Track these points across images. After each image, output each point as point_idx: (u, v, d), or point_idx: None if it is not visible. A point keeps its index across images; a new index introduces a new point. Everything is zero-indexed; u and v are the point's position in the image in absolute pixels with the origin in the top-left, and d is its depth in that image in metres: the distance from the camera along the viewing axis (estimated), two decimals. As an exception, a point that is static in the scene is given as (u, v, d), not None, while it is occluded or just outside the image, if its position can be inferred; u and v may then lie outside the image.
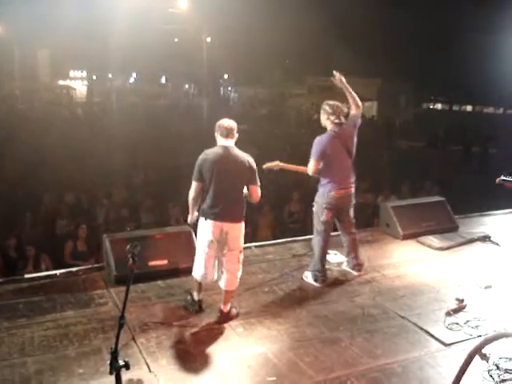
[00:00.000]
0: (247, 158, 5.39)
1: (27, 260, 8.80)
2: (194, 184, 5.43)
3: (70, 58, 42.63)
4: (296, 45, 30.36)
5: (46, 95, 35.26)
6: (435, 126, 25.26)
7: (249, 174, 5.37)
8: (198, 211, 5.54)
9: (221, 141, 5.44)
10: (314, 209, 6.53)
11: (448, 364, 4.79)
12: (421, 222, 8.29)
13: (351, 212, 6.64)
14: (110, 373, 3.66)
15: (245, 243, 7.73)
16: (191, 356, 4.89)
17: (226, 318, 5.53)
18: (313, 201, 6.56)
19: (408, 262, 7.28)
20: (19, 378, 4.51)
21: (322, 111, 6.47)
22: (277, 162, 6.50)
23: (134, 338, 5.08)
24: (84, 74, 47.95)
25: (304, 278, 6.66)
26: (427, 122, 27.97)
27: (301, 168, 6.56)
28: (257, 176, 5.42)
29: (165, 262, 6.50)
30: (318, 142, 6.29)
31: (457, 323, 5.48)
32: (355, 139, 6.51)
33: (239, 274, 5.56)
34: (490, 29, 23.60)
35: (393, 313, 5.78)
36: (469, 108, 41.35)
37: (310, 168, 6.31)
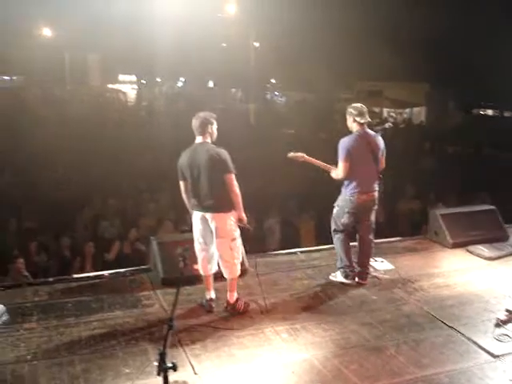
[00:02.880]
0: (216, 150, 5.53)
1: (85, 258, 8.98)
2: (180, 184, 5.74)
3: (120, 61, 43.29)
4: (345, 49, 30.18)
5: (96, 99, 35.85)
6: (485, 131, 24.70)
7: (219, 164, 5.49)
8: None
9: (196, 138, 5.68)
10: (334, 210, 6.54)
11: (497, 376, 4.69)
12: (470, 230, 8.11)
13: (372, 216, 6.58)
14: (158, 374, 3.70)
15: (288, 248, 7.82)
16: (236, 359, 4.92)
17: (232, 308, 5.74)
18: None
19: (457, 271, 7.15)
20: (67, 377, 4.61)
21: (347, 116, 6.44)
22: (302, 154, 6.47)
23: (179, 340, 5.12)
24: (133, 78, 48.60)
25: (332, 277, 6.69)
26: (477, 127, 27.37)
27: (325, 165, 6.51)
28: (229, 164, 5.52)
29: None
30: (343, 143, 6.29)
31: (506, 334, 5.35)
32: (382, 146, 6.45)
33: (237, 261, 5.74)
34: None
35: (440, 322, 5.69)
36: (521, 114, 40.32)
37: (340, 170, 6.28)
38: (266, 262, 7.24)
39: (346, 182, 6.37)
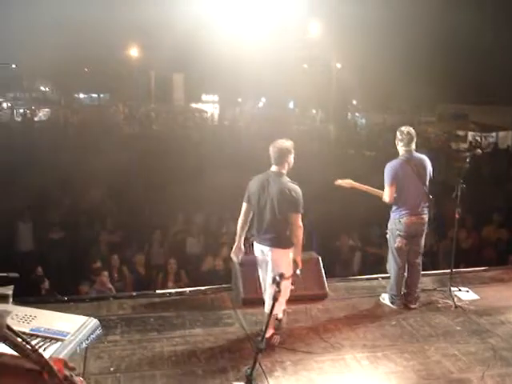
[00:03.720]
0: (289, 186, 5.39)
1: (168, 274, 9.18)
2: (243, 205, 5.65)
3: (203, 81, 44.31)
4: (427, 71, 29.77)
5: (179, 118, 36.75)
6: None
7: (289, 201, 5.34)
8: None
9: (272, 167, 5.55)
10: (387, 236, 6.54)
11: None
12: (562, 261, 7.78)
13: (421, 241, 6.53)
14: (244, 394, 3.73)
15: (370, 274, 7.70)
16: (314, 384, 4.87)
17: (267, 343, 5.28)
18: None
19: (547, 303, 6.82)
20: (148, 391, 4.70)
21: (396, 138, 6.47)
22: (349, 181, 6.50)
23: (259, 361, 5.13)
24: (215, 98, 49.59)
25: (381, 299, 6.72)
26: None
27: (373, 190, 6.51)
28: (298, 205, 5.37)
29: (292, 287, 6.51)
30: (389, 167, 6.34)
31: None
32: (429, 168, 6.43)
33: (282, 299, 5.39)
34: None
35: (528, 357, 5.44)
36: None
37: (386, 195, 6.31)
38: (346, 286, 7.18)
39: (394, 207, 6.41)
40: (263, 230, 5.48)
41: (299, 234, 5.40)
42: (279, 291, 3.58)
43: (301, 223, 5.40)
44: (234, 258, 5.80)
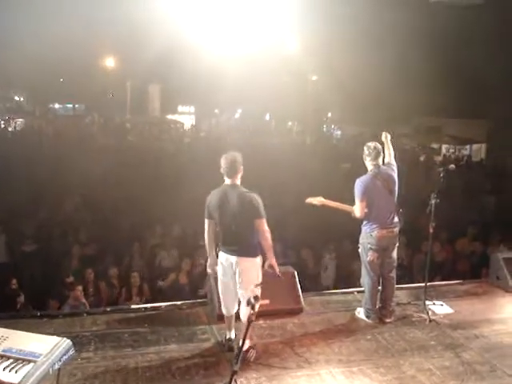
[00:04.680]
0: (248, 195, 5.46)
1: (131, 288, 9.08)
2: (205, 222, 5.68)
3: (179, 93, 44.25)
4: (403, 85, 30.06)
5: (155, 129, 36.59)
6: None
7: (250, 209, 5.42)
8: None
9: (225, 180, 5.57)
10: (359, 250, 6.61)
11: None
12: (534, 275, 7.84)
13: (394, 254, 6.63)
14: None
15: (347, 288, 7.72)
16: (290, 400, 4.86)
17: (242, 356, 5.24)
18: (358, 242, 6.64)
19: (519, 317, 6.90)
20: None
21: (363, 153, 6.55)
22: (320, 198, 6.53)
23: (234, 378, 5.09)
24: (191, 109, 49.53)
25: (356, 313, 6.76)
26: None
27: (344, 206, 6.56)
28: (260, 210, 5.43)
29: (266, 301, 6.49)
30: (359, 183, 6.41)
31: None
32: (396, 180, 6.56)
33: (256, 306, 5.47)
34: None
35: (501, 371, 5.50)
36: None
37: (357, 210, 6.38)
38: (322, 300, 7.20)
39: (365, 221, 6.48)
40: (229, 241, 5.53)
41: (268, 237, 5.45)
42: (253, 314, 3.57)
43: (267, 227, 5.45)
44: (210, 271, 5.83)
